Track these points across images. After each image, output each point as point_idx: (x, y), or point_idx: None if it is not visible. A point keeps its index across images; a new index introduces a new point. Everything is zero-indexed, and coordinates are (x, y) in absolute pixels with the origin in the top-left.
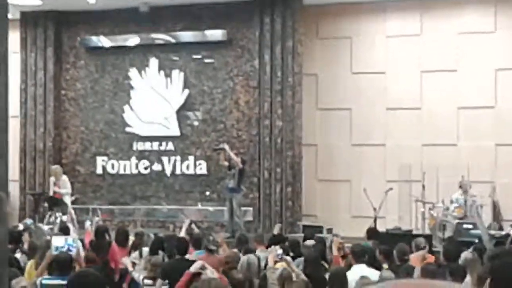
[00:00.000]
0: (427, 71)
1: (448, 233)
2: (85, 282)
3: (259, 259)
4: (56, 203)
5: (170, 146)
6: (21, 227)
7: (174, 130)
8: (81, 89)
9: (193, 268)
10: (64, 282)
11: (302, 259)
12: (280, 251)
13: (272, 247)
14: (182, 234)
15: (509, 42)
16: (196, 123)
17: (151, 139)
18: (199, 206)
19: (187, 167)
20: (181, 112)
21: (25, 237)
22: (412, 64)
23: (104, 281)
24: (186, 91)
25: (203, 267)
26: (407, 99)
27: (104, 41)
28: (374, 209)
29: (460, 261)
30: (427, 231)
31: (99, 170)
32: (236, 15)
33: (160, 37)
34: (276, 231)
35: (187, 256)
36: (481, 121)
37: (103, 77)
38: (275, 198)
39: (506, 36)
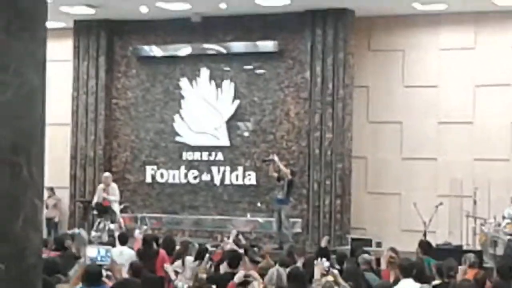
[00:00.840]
0: (481, 85)
1: (499, 249)
2: None
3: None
4: (105, 211)
5: (220, 156)
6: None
7: (223, 140)
8: (132, 98)
9: (236, 279)
10: None
11: None
12: (327, 263)
13: (319, 259)
14: (229, 245)
15: None
16: (246, 134)
17: (200, 149)
18: (248, 217)
19: (236, 178)
20: (231, 123)
21: (67, 243)
22: (465, 78)
23: None
24: (237, 102)
25: (247, 275)
26: (459, 113)
27: (155, 51)
28: (424, 223)
29: None
30: (478, 247)
31: (148, 179)
32: (288, 26)
33: (212, 47)
34: (323, 243)
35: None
36: None
37: (154, 86)
38: (324, 210)
39: None
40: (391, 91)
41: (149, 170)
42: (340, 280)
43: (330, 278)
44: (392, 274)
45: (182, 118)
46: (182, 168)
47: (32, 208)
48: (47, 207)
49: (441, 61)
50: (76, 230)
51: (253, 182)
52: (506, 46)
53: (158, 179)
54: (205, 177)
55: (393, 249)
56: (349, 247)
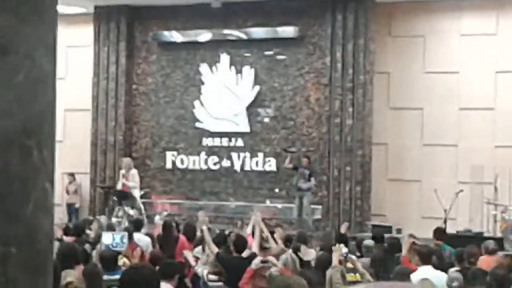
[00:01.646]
0: (502, 71)
1: None
2: (138, 277)
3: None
4: (125, 196)
5: (240, 143)
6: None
7: (244, 126)
8: (152, 83)
9: (254, 265)
10: (110, 278)
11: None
12: (345, 249)
13: (337, 245)
14: (249, 231)
15: None
16: (266, 120)
17: (220, 135)
18: (268, 203)
19: (256, 164)
20: (251, 109)
21: (94, 226)
22: (486, 64)
23: (157, 276)
24: (257, 88)
25: (264, 261)
26: (480, 99)
27: (176, 36)
28: (445, 210)
29: None
30: (499, 234)
31: (168, 165)
32: (308, 12)
33: (232, 33)
34: (343, 230)
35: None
36: None
37: (174, 72)
38: (344, 197)
39: None
40: (411, 77)
41: (169, 156)
42: (359, 267)
43: (349, 265)
44: (413, 260)
45: (202, 104)
46: (202, 154)
47: (42, 192)
48: (68, 193)
49: (462, 47)
50: (99, 217)
51: (273, 168)
52: None
53: (179, 165)
54: (225, 163)
55: (412, 236)
56: (370, 233)
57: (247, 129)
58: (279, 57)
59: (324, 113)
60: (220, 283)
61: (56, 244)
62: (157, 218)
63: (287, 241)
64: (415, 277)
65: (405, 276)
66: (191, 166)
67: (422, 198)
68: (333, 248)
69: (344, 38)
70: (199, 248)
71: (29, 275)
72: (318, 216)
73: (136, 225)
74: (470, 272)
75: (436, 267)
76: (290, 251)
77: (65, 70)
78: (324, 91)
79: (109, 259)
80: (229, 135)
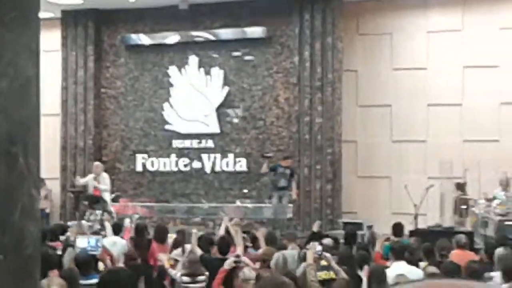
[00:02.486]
0: (469, 67)
1: (490, 230)
2: (116, 280)
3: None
4: (96, 201)
5: (210, 144)
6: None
7: (213, 127)
8: (121, 87)
9: (226, 265)
10: (86, 282)
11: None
12: (319, 247)
13: (311, 243)
14: (221, 232)
15: None
16: (235, 120)
17: (191, 136)
18: (238, 203)
19: (227, 165)
20: (221, 110)
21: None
22: (453, 60)
23: (135, 278)
24: (226, 89)
25: (238, 261)
26: (448, 95)
27: (144, 39)
28: (415, 205)
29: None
30: (469, 228)
31: (139, 168)
32: (276, 12)
33: (200, 34)
34: (315, 228)
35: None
36: None
37: (143, 75)
38: (315, 195)
39: None
40: (380, 74)
41: (140, 158)
42: (334, 264)
43: (323, 262)
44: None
45: (171, 106)
46: (173, 156)
47: (29, 199)
48: None
49: (430, 43)
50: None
51: (244, 168)
52: (493, 27)
53: (149, 167)
54: (196, 164)
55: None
56: (341, 231)
57: (217, 130)
58: (248, 57)
59: (293, 112)
60: (196, 285)
61: None
62: (127, 221)
63: (270, 240)
64: (389, 272)
65: (380, 272)
66: (161, 169)
67: (392, 194)
68: (307, 246)
69: (312, 37)
70: (179, 250)
71: (17, 281)
72: (289, 215)
73: (115, 228)
74: (443, 265)
75: (409, 262)
76: (282, 251)
77: None
78: (293, 91)
79: (85, 263)
80: (199, 136)
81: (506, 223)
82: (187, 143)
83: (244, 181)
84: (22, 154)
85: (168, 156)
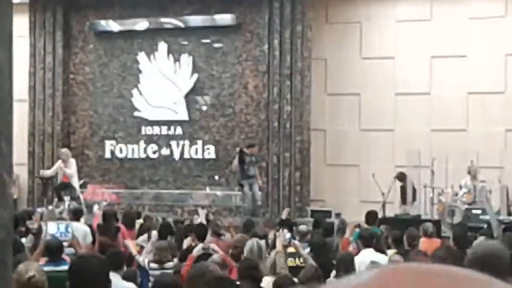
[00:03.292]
0: (437, 57)
1: (457, 219)
2: (87, 267)
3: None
4: (65, 187)
5: (179, 131)
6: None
7: (182, 114)
8: (90, 73)
9: (195, 252)
10: (57, 268)
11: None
12: (288, 235)
13: (281, 231)
14: (201, 220)
15: None
16: (204, 108)
17: (159, 123)
18: (207, 191)
19: (196, 152)
20: (190, 97)
21: (36, 217)
22: (421, 50)
23: (106, 265)
24: (195, 76)
25: (206, 248)
26: (416, 85)
27: (113, 25)
28: (383, 194)
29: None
30: (436, 217)
31: (107, 154)
32: None
33: (169, 21)
34: (284, 215)
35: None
36: (491, 106)
37: (111, 61)
38: (283, 183)
39: None
40: (348, 63)
41: (108, 145)
42: (302, 252)
43: (291, 249)
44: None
45: (140, 93)
46: (141, 142)
47: (1, 184)
48: None
49: (398, 32)
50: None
51: (212, 156)
52: (462, 17)
53: (118, 154)
54: (165, 151)
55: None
56: (310, 218)
57: (186, 117)
58: (217, 45)
59: (262, 100)
60: (164, 271)
61: None
62: (95, 208)
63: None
64: (358, 259)
65: (349, 259)
66: (130, 155)
67: (361, 183)
68: (276, 233)
69: (282, 25)
70: (145, 236)
71: None
72: (258, 202)
73: (75, 214)
74: (412, 254)
75: (376, 249)
76: (255, 238)
77: None
78: (262, 78)
79: (55, 250)
80: (168, 123)
81: (473, 211)
82: (156, 130)
83: (213, 168)
84: None
85: (137, 142)
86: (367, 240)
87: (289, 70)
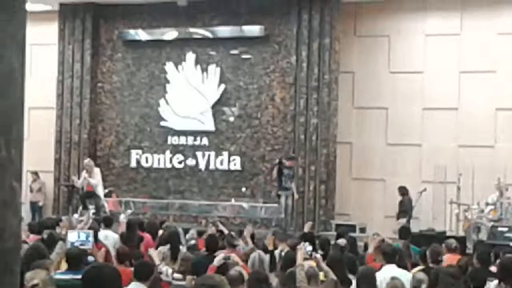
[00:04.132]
0: (466, 72)
1: (482, 236)
2: (99, 276)
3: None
4: (90, 196)
5: (205, 141)
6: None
7: (209, 125)
8: (118, 82)
9: (216, 262)
10: (76, 277)
11: None
12: (309, 248)
13: (301, 244)
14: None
15: None
16: (231, 119)
17: (186, 133)
18: (233, 202)
19: (221, 163)
20: (217, 107)
21: (64, 223)
22: (450, 64)
23: (119, 274)
24: (222, 86)
25: (226, 258)
26: (444, 100)
27: (141, 35)
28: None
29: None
30: (461, 233)
31: (133, 164)
32: (274, 11)
33: (198, 31)
34: (306, 229)
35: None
36: None
37: (139, 70)
38: (308, 196)
39: None
40: (376, 76)
41: (134, 154)
42: (323, 265)
43: (312, 263)
44: (377, 259)
45: (167, 103)
46: (167, 152)
47: (10, 191)
48: (31, 191)
49: (427, 47)
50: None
51: (238, 167)
52: (491, 32)
53: (143, 163)
54: (190, 162)
55: (377, 234)
56: (333, 232)
57: (212, 128)
58: (245, 56)
59: (289, 112)
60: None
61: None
62: (121, 216)
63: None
64: (380, 275)
65: (370, 275)
66: (156, 165)
67: (386, 197)
68: (297, 246)
69: (310, 37)
70: (166, 246)
71: None
72: (282, 215)
73: (106, 222)
74: (441, 269)
75: (399, 265)
76: (258, 250)
77: (30, 68)
78: (289, 90)
79: (75, 258)
80: (194, 133)
81: (499, 229)
82: (182, 140)
83: (238, 179)
84: (4, 146)
85: (163, 152)
86: (389, 255)
87: (316, 83)
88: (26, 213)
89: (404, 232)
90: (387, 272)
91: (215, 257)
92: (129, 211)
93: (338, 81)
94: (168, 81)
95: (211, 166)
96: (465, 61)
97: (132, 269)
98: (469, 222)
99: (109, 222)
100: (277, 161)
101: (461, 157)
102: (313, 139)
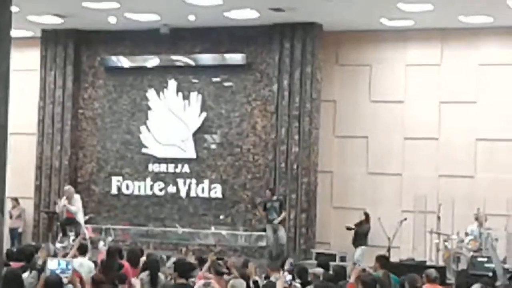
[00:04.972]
0: (446, 102)
1: (462, 266)
2: None
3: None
4: (70, 222)
5: (186, 169)
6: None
7: (190, 152)
8: (99, 108)
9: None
10: None
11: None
12: (289, 277)
13: (281, 273)
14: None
15: None
16: (212, 146)
17: (167, 160)
18: (213, 230)
19: (202, 190)
20: (198, 135)
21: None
22: (431, 94)
23: None
24: (204, 114)
25: (206, 284)
26: (424, 129)
27: (123, 61)
28: (388, 238)
29: None
30: (441, 263)
31: (114, 190)
32: (256, 39)
33: (180, 59)
34: (287, 267)
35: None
36: (499, 153)
37: (121, 97)
38: (289, 224)
39: None
40: (357, 105)
41: (115, 181)
42: None
43: None
44: None
45: (148, 130)
46: (148, 179)
47: None
48: (11, 217)
49: (408, 76)
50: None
51: (219, 195)
52: (472, 63)
53: (124, 190)
54: (171, 189)
55: (356, 264)
56: (314, 261)
57: (194, 155)
58: (227, 83)
59: (270, 140)
60: None
61: None
62: (101, 244)
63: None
64: None
65: None
66: (136, 192)
67: None
68: (276, 276)
69: (292, 66)
70: (145, 273)
71: None
72: (263, 243)
73: (81, 249)
74: None
75: None
76: (233, 280)
77: (11, 94)
78: (270, 119)
79: (55, 285)
80: (175, 161)
81: (479, 259)
82: (163, 167)
83: (219, 207)
84: None
85: (144, 179)
86: (370, 285)
87: (297, 111)
88: (5, 240)
89: (383, 261)
90: None
91: (194, 284)
92: (109, 238)
93: (319, 110)
94: (149, 108)
95: (192, 194)
96: (446, 91)
97: None
98: (449, 252)
99: (84, 250)
100: (258, 200)
101: (441, 187)
102: (294, 168)
